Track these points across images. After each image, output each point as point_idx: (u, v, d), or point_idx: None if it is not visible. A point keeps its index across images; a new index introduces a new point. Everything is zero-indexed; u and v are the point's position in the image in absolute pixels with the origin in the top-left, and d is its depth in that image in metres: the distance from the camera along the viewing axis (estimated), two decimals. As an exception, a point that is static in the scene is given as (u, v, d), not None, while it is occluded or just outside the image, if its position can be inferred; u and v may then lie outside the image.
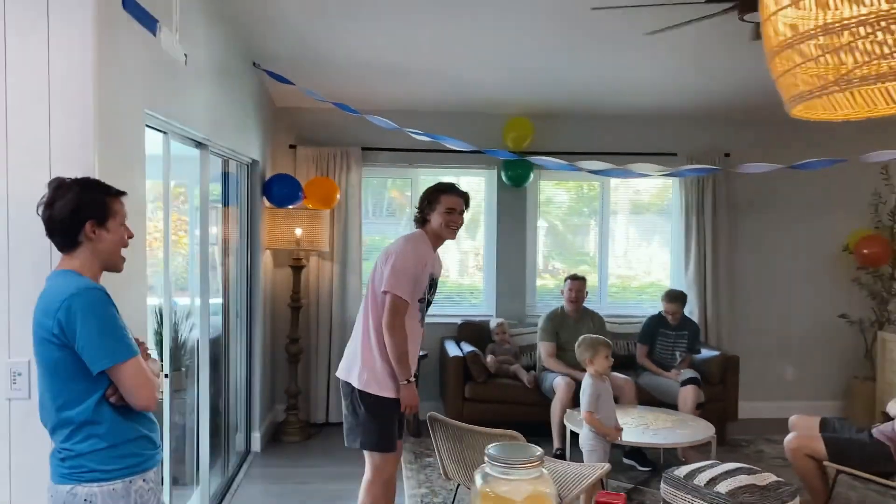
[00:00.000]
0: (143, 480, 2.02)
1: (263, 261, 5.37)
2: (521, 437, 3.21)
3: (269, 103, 5.56)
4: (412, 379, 3.09)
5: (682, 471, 3.70)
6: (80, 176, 2.04)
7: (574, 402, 4.83)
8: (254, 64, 4.83)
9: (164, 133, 3.23)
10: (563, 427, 4.76)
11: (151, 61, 2.80)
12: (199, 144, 3.83)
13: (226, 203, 4.71)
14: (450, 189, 3.24)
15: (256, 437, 5.24)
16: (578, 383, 4.93)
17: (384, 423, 3.10)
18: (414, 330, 3.14)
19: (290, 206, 5.36)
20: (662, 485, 3.70)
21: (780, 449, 5.37)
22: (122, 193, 2.10)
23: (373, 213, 6.21)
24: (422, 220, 3.26)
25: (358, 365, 3.13)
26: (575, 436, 4.60)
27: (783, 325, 6.22)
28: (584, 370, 5.07)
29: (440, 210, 3.18)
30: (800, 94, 1.37)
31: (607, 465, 3.65)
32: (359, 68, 5.01)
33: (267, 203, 5.42)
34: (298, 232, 5.39)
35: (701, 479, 3.53)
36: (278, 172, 5.53)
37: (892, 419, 3.87)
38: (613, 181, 6.20)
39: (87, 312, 1.90)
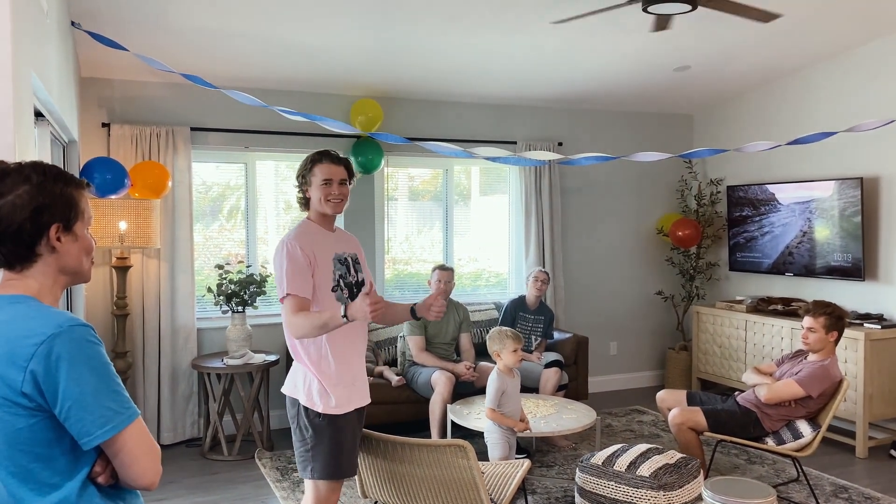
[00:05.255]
0: None
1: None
2: (470, 446, 2.98)
3: (76, 72, 4.60)
4: (344, 315, 2.52)
5: (597, 458, 3.73)
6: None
7: (453, 396, 4.68)
8: (72, 24, 3.94)
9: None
10: (443, 422, 4.59)
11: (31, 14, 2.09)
12: (38, 116, 3.01)
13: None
14: (324, 157, 2.82)
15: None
16: (456, 376, 4.80)
17: (336, 444, 2.69)
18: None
19: (114, 196, 4.51)
20: (579, 473, 3.70)
21: (625, 421, 5.75)
22: (88, 185, 1.51)
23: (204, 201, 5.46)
24: (304, 200, 2.87)
25: (301, 378, 2.70)
26: (455, 429, 4.46)
27: (608, 304, 6.63)
28: (455, 362, 5.01)
29: (316, 183, 2.78)
30: None
31: (527, 462, 3.55)
32: (191, 34, 4.32)
33: (83, 192, 4.49)
34: (123, 226, 4.56)
35: (620, 465, 3.57)
36: (95, 156, 4.62)
37: (752, 388, 4.26)
38: (456, 167, 6.12)
39: (75, 361, 1.33)
